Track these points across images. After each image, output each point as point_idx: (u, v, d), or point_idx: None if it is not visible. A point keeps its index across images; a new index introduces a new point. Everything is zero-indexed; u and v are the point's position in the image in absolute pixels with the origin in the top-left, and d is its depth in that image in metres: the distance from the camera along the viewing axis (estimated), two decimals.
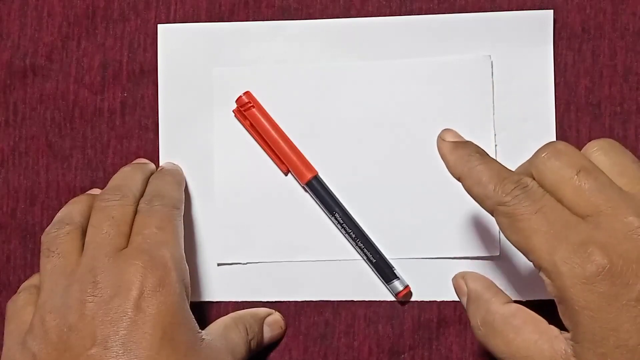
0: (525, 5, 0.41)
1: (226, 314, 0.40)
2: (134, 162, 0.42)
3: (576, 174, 0.31)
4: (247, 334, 0.38)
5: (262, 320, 0.40)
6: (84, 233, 0.36)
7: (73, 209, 0.38)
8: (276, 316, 0.41)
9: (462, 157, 0.34)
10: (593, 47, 0.41)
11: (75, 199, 0.39)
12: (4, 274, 0.43)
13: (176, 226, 0.37)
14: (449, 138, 0.36)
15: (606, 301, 0.28)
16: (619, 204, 0.30)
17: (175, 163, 0.42)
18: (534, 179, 0.32)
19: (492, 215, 0.32)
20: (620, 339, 0.28)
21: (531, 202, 0.31)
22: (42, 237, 0.37)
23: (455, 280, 0.37)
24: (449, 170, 0.35)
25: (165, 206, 0.37)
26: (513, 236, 0.31)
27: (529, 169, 0.33)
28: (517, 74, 0.41)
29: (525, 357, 0.31)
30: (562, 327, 0.31)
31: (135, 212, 0.37)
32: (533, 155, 0.33)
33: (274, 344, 0.41)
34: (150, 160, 0.42)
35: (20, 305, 0.36)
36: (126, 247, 0.35)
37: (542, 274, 0.30)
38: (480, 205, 0.33)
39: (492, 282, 0.36)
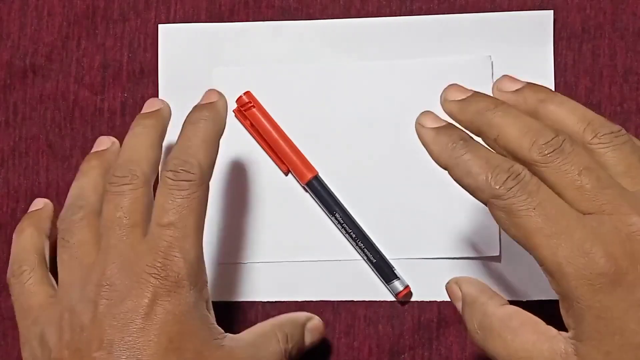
0: (526, 5, 0.41)
1: (226, 314, 0.40)
2: (145, 107, 0.38)
3: (578, 174, 0.30)
4: (288, 343, 0.36)
5: (302, 326, 0.38)
6: (99, 212, 0.35)
7: (86, 185, 0.37)
8: (316, 321, 0.39)
9: (447, 145, 0.32)
10: (593, 47, 0.41)
11: (85, 167, 0.38)
12: (4, 274, 0.43)
13: (199, 213, 0.34)
14: (429, 124, 0.33)
15: (612, 302, 0.28)
16: (621, 203, 0.29)
17: (221, 92, 0.38)
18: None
19: (487, 206, 0.31)
20: (625, 338, 0.28)
21: (528, 196, 0.30)
22: (57, 222, 0.36)
23: (448, 285, 0.36)
24: (433, 159, 0.33)
25: (192, 182, 0.34)
26: (511, 230, 0.30)
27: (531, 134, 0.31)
28: (517, 74, 0.41)
29: (524, 358, 0.30)
30: (560, 327, 0.31)
31: (149, 191, 0.35)
32: (535, 144, 0.31)
33: None
34: None
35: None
36: (142, 234, 0.34)
37: (545, 272, 0.30)
38: (472, 196, 0.32)
39: (486, 285, 0.35)
